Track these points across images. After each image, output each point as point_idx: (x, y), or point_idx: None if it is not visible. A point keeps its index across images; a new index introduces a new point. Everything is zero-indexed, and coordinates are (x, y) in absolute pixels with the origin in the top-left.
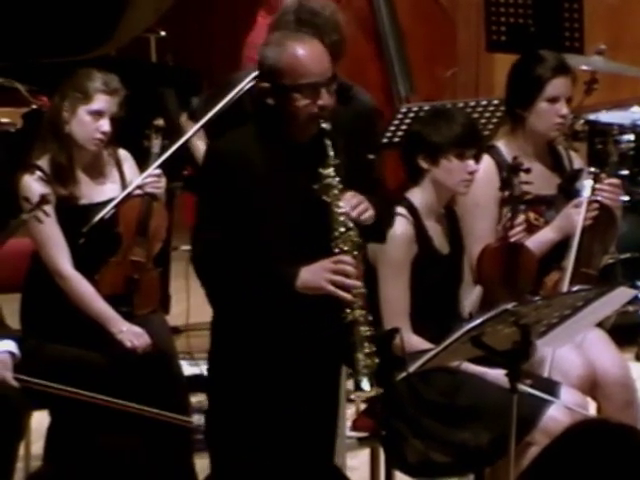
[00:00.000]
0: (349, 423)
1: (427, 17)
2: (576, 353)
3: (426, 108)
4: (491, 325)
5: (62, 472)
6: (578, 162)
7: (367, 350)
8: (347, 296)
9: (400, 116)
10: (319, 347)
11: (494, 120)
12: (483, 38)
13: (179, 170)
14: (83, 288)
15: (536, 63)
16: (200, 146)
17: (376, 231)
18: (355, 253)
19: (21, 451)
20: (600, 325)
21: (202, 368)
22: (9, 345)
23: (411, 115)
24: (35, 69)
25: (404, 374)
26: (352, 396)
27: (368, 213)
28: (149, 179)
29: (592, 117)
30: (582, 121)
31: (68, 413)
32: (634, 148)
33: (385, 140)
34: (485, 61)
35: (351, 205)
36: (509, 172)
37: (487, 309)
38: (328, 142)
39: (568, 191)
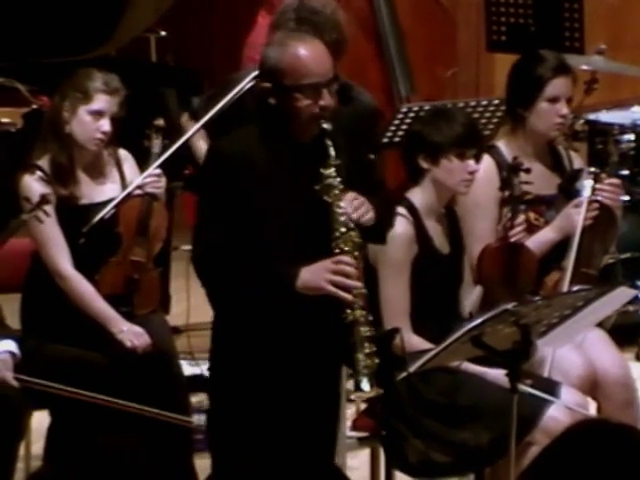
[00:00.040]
0: (349, 423)
1: (427, 17)
2: (576, 353)
3: (426, 108)
4: (491, 325)
5: (62, 472)
6: (578, 162)
7: (367, 350)
8: (347, 296)
9: (400, 116)
10: (320, 347)
11: (494, 120)
12: (483, 38)
13: (179, 170)
14: (83, 288)
15: (536, 63)
16: (201, 146)
17: (376, 232)
18: (356, 254)
19: (21, 451)
20: (600, 325)
21: (202, 368)
22: (9, 345)
23: (411, 115)
24: (35, 69)
25: (404, 374)
26: (352, 396)
27: (369, 215)
28: (149, 179)
29: (592, 117)
30: (582, 121)
31: (68, 413)
32: (634, 148)
33: (385, 140)
34: (485, 61)
35: (353, 207)
36: (509, 172)
37: (487, 309)
38: (329, 142)
39: (568, 191)
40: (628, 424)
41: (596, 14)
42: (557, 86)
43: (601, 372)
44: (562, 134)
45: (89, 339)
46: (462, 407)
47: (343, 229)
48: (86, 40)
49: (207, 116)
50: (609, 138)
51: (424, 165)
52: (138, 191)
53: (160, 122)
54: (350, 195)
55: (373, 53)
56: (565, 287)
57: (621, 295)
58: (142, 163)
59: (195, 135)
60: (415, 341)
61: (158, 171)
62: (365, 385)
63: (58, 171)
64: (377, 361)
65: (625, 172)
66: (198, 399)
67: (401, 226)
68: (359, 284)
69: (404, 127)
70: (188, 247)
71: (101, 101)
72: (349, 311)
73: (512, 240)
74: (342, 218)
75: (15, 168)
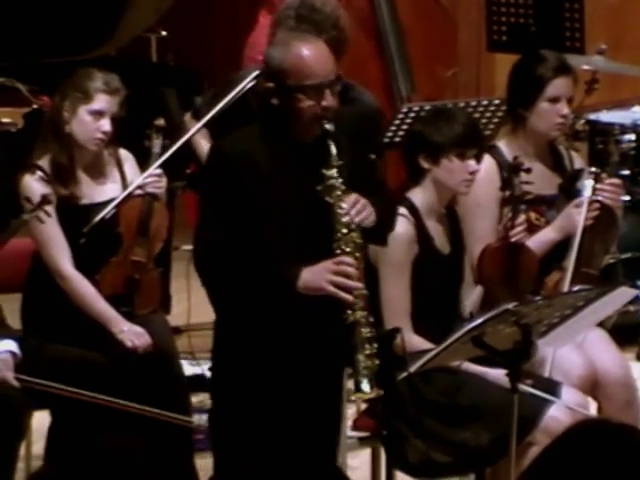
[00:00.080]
0: (350, 423)
1: (428, 17)
2: (577, 353)
3: (427, 108)
4: (492, 325)
5: (63, 472)
6: (579, 162)
7: (368, 351)
8: (348, 297)
9: (401, 116)
10: (321, 348)
11: (495, 120)
12: (484, 38)
13: (180, 170)
14: (84, 288)
15: (537, 63)
16: (204, 145)
17: (377, 234)
18: (357, 254)
19: (22, 451)
20: (601, 325)
21: (203, 368)
22: (10, 345)
23: (412, 115)
24: (36, 69)
25: (405, 374)
26: (352, 397)
27: (370, 218)
28: (150, 179)
29: (593, 117)
30: (583, 121)
31: (69, 413)
32: (635, 148)
33: (386, 140)
34: (486, 61)
35: (355, 210)
36: (510, 172)
37: (488, 309)
38: (331, 143)
39: (569, 191)
40: (629, 424)
41: (597, 14)
42: (558, 86)
43: (602, 372)
44: (563, 134)
45: (90, 339)
46: (463, 407)
47: (344, 230)
48: (86, 40)
49: (207, 116)
50: (610, 138)
51: (425, 165)
52: (139, 191)
53: (160, 122)
54: (352, 197)
55: (373, 52)
56: (566, 287)
57: (622, 295)
58: (143, 163)
59: (198, 134)
60: (416, 341)
61: (159, 171)
62: (365, 386)
63: (58, 171)
64: (377, 362)
65: (626, 172)
66: (199, 399)
67: (402, 226)
68: (360, 285)
69: (405, 127)
70: (189, 247)
71: (101, 101)
72: (350, 312)
73: (513, 240)
74: (344, 219)
75: (16, 168)
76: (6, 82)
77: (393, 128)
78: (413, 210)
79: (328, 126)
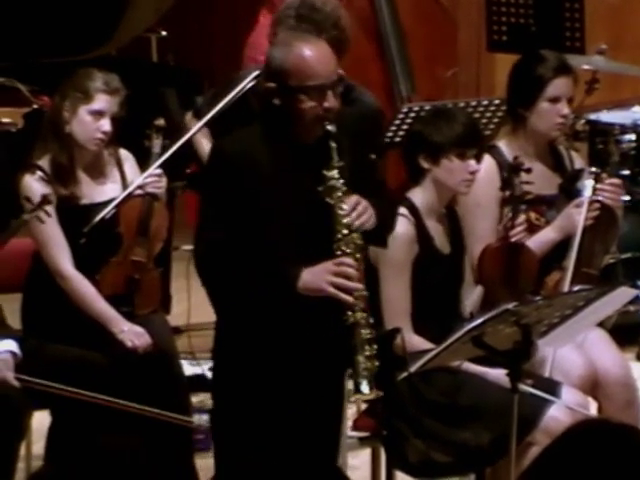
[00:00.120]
0: (350, 423)
1: (428, 17)
2: (577, 353)
3: (427, 108)
4: (492, 325)
5: (63, 472)
6: (579, 162)
7: (367, 353)
8: (348, 298)
9: (401, 116)
10: (322, 348)
11: (495, 120)
12: (484, 38)
13: (181, 169)
14: (84, 288)
15: (537, 63)
16: (205, 144)
17: (377, 236)
18: (357, 256)
19: (22, 451)
20: (601, 325)
21: (203, 368)
22: (10, 345)
23: (412, 115)
24: (36, 69)
25: (405, 374)
26: (352, 399)
27: (370, 221)
28: (150, 179)
29: (593, 117)
30: (583, 121)
31: (69, 413)
32: (635, 148)
33: (386, 140)
34: (486, 61)
35: (356, 213)
36: (510, 172)
37: (488, 309)
38: (333, 144)
39: (569, 191)
40: (629, 424)
41: (597, 14)
42: (558, 86)
43: (602, 372)
44: (563, 134)
45: (90, 339)
46: (463, 407)
47: (345, 231)
48: (87, 40)
49: (207, 116)
50: (610, 138)
51: (425, 165)
52: (139, 191)
53: (161, 122)
54: (353, 199)
55: (374, 53)
56: (566, 287)
57: (622, 295)
58: (143, 163)
59: (199, 134)
60: (416, 341)
61: (159, 171)
62: (365, 387)
63: (58, 171)
64: (377, 364)
65: (626, 172)
66: (199, 399)
67: (402, 226)
68: (360, 286)
69: (405, 127)
70: (189, 247)
71: (101, 101)
72: (350, 313)
73: (513, 240)
74: (344, 220)
75: (16, 168)
76: (6, 82)
77: (393, 128)
78: (413, 210)
79: (330, 127)
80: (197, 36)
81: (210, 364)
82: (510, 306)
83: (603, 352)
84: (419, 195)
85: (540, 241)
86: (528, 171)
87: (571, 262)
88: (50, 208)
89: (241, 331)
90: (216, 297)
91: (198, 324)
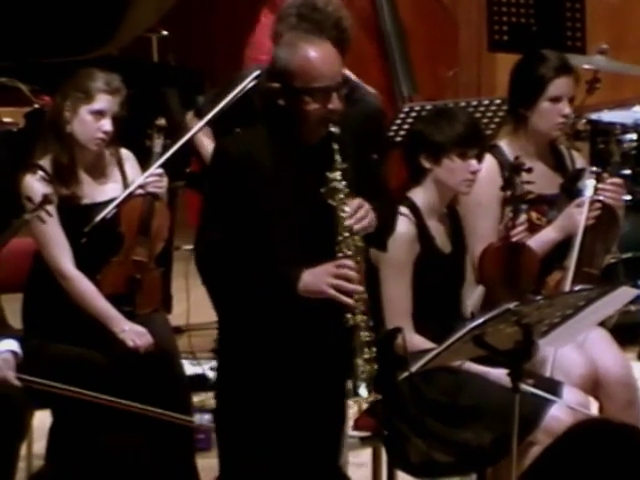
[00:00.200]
0: (351, 422)
1: (429, 17)
2: (578, 352)
3: (428, 108)
4: (493, 325)
5: (64, 472)
6: (580, 162)
7: (367, 356)
8: (349, 301)
9: (402, 116)
10: (324, 349)
11: (496, 120)
12: (485, 38)
13: (182, 169)
14: (85, 288)
15: (538, 63)
16: (207, 144)
17: (377, 239)
18: (358, 258)
19: (23, 450)
20: (602, 324)
21: (204, 368)
22: (11, 344)
23: (413, 115)
24: (37, 69)
25: (406, 374)
26: (350, 401)
27: (370, 227)
28: (151, 179)
29: (594, 116)
30: (584, 120)
31: (70, 412)
32: (636, 147)
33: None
34: (487, 61)
35: (357, 217)
36: (511, 171)
37: (489, 309)
38: (336, 146)
39: (570, 191)
40: (630, 424)
41: (598, 14)
42: (559, 86)
43: (603, 372)
44: (564, 134)
45: (91, 339)
46: (464, 407)
47: (346, 233)
48: (88, 40)
49: (208, 116)
50: (611, 138)
51: (426, 165)
52: (140, 191)
53: (162, 122)
54: (355, 203)
55: (375, 53)
56: (567, 287)
57: (623, 295)
58: (144, 163)
59: (201, 133)
60: (417, 341)
61: (160, 171)
62: (363, 391)
63: (60, 171)
64: (376, 367)
65: (627, 172)
66: (200, 399)
67: (403, 226)
68: (360, 288)
69: (406, 127)
70: (189, 247)
71: (102, 101)
72: (350, 316)
73: (514, 240)
74: (346, 222)
75: (17, 168)
76: (7, 82)
77: (394, 128)
78: (414, 210)
79: (334, 129)
80: (198, 36)
81: (211, 364)
82: (511, 306)
83: (604, 352)
84: (420, 195)
85: (541, 241)
86: (529, 171)
87: (572, 262)
88: (51, 208)
89: (242, 331)
90: (217, 297)
91: (198, 324)
